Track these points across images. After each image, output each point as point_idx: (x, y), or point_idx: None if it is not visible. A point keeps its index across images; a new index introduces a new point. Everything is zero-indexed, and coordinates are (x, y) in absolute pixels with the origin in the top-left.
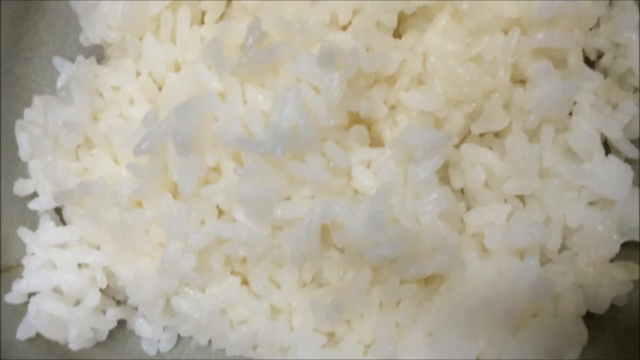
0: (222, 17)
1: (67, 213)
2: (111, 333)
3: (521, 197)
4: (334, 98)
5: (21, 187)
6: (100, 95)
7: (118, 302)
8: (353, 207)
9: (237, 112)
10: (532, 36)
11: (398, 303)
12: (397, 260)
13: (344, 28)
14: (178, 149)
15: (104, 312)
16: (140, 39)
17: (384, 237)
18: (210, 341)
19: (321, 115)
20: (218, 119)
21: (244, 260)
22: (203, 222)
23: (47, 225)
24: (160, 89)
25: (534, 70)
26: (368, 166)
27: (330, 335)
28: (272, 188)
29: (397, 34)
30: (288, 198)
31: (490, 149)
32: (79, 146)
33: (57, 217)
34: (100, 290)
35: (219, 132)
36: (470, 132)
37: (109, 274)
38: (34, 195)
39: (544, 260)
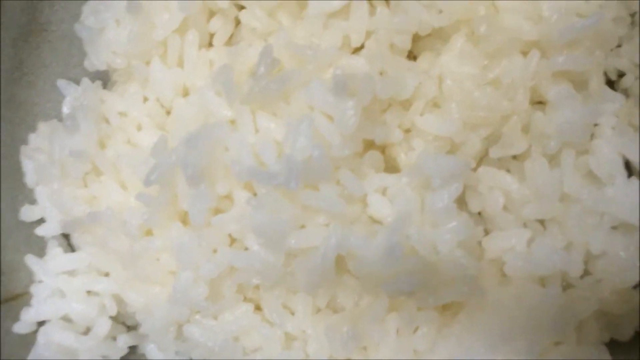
0: (230, 38)
1: (75, 239)
2: (122, 359)
3: (541, 221)
4: (349, 127)
5: (28, 213)
6: (107, 121)
7: (129, 327)
8: (370, 238)
9: (249, 141)
10: (552, 59)
11: (415, 330)
12: (415, 291)
13: (357, 50)
14: (188, 180)
15: (114, 338)
16: (147, 63)
17: (402, 269)
18: None
19: (335, 145)
20: (229, 148)
21: (257, 287)
22: (215, 251)
23: (55, 252)
24: (168, 113)
25: (554, 94)
26: (384, 193)
27: None
28: (285, 218)
29: (412, 56)
30: (302, 226)
31: (508, 170)
32: (87, 173)
33: (65, 242)
34: (110, 317)
35: (231, 163)
36: (486, 153)
37: (119, 300)
38: (41, 221)
39: (565, 285)
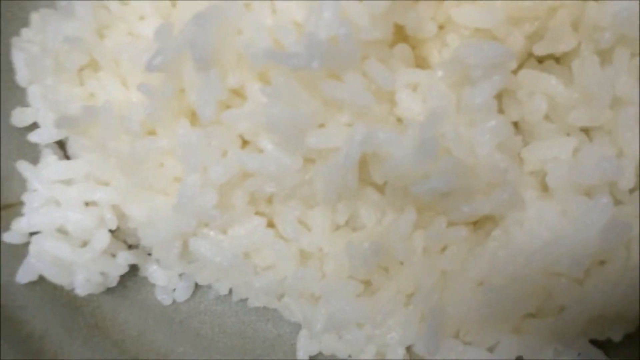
0: None
1: (71, 146)
2: (122, 280)
3: (586, 132)
4: (380, 5)
5: (20, 117)
6: (107, 9)
7: (130, 247)
8: (399, 135)
9: (265, 23)
10: None
11: (444, 249)
12: (449, 196)
13: None
14: (196, 63)
15: (114, 255)
16: None
17: (434, 169)
18: (230, 290)
19: (363, 27)
20: (243, 31)
21: (270, 200)
22: (225, 153)
23: (50, 160)
24: (173, 5)
25: None
26: (415, 90)
27: (367, 284)
28: (304, 113)
29: None
30: (322, 125)
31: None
32: (82, 68)
33: (61, 153)
34: (110, 231)
35: (244, 46)
36: (528, 57)
37: (120, 215)
38: (34, 126)
39: (614, 202)
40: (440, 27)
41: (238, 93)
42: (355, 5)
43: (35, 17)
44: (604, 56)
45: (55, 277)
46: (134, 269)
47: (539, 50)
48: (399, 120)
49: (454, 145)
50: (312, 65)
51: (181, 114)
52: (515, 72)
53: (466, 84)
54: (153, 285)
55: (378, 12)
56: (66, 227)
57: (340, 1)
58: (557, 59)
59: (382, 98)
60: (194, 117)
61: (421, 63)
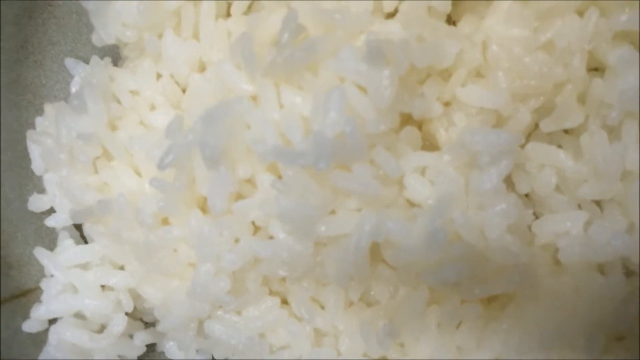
0: (250, 8)
1: (87, 229)
2: (140, 358)
3: (598, 202)
4: (385, 99)
5: (36, 203)
6: (118, 101)
7: (146, 324)
8: (409, 223)
9: (272, 118)
10: (613, 18)
11: (459, 325)
12: (461, 282)
13: (390, 16)
14: (206, 162)
15: (131, 336)
16: (160, 36)
17: (445, 257)
18: None
19: (370, 120)
20: (250, 126)
21: (283, 279)
22: (237, 241)
23: (66, 244)
24: (184, 91)
25: (615, 58)
26: (423, 173)
27: None
28: (314, 203)
29: (452, 20)
30: (333, 212)
31: (559, 146)
32: (97, 158)
33: (77, 234)
34: (126, 314)
35: (252, 142)
36: (536, 127)
37: (135, 296)
38: (51, 211)
39: (627, 273)
40: (447, 105)
41: (249, 181)
42: (360, 99)
43: (49, 108)
44: (612, 130)
45: None
46: (151, 344)
47: (546, 127)
48: (409, 202)
49: (464, 231)
50: (319, 166)
51: (193, 204)
52: (523, 145)
53: (474, 167)
54: None
55: (384, 106)
56: (83, 313)
57: (346, 97)
58: (565, 130)
59: (391, 182)
60: (206, 206)
61: (429, 140)
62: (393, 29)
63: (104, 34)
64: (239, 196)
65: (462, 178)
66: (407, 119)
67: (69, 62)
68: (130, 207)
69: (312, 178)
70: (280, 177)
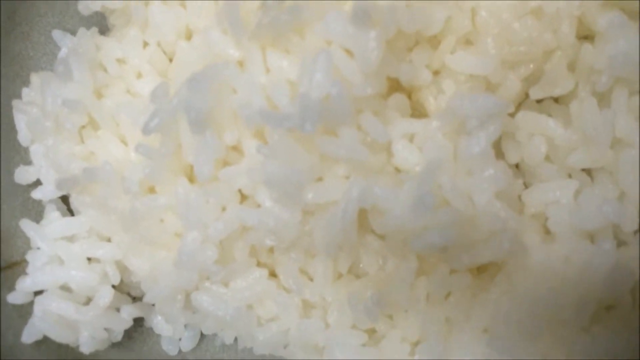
0: None
1: (74, 201)
2: (127, 332)
3: (588, 172)
4: (371, 63)
5: (23, 175)
6: (104, 69)
7: (134, 299)
8: (396, 189)
9: (259, 82)
10: None
11: (448, 296)
12: (449, 248)
13: None
14: (192, 126)
15: (118, 310)
16: (147, 4)
17: (433, 222)
18: (236, 339)
19: (356, 83)
20: (237, 90)
21: (271, 250)
22: (224, 209)
23: (53, 216)
24: (170, 60)
25: (604, 23)
26: (411, 140)
27: (371, 332)
28: (301, 168)
29: None
30: (320, 179)
31: (549, 115)
32: (83, 127)
33: (64, 207)
34: (113, 286)
35: (239, 106)
36: (525, 97)
37: (122, 268)
38: (37, 183)
39: (618, 242)
40: (436, 73)
41: (235, 148)
42: (347, 63)
43: (34, 78)
44: (602, 97)
45: (60, 336)
46: (139, 319)
47: (536, 94)
48: (397, 169)
49: (452, 196)
50: (305, 128)
51: (180, 172)
52: (513, 114)
53: (462, 133)
54: (159, 336)
55: (370, 69)
56: (69, 285)
57: (332, 60)
58: (555, 99)
59: (379, 148)
60: (192, 174)
61: (418, 108)
62: None
63: (90, 1)
64: (226, 163)
65: (451, 144)
66: (395, 86)
67: (57, 34)
68: (117, 175)
69: (299, 142)
70: (266, 143)
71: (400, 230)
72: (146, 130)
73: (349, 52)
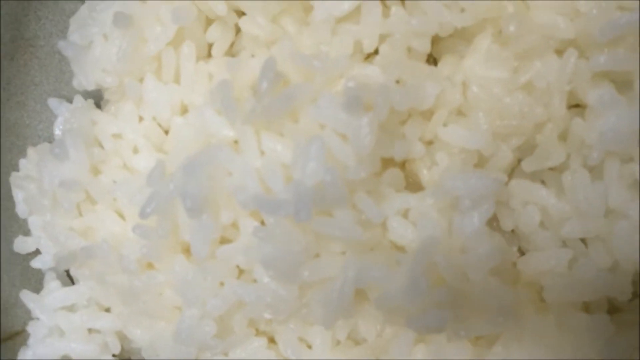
0: (231, 47)
1: (73, 271)
2: None
3: (583, 239)
4: (365, 146)
5: (22, 245)
6: (100, 145)
7: None
8: (391, 270)
9: (253, 165)
10: (592, 58)
11: None
12: (445, 326)
13: (370, 56)
14: (188, 212)
15: None
16: (141, 80)
17: (429, 302)
18: None
19: (350, 167)
20: (232, 173)
21: (269, 319)
22: (222, 284)
23: (53, 286)
24: (166, 133)
25: (594, 98)
26: (405, 216)
27: None
28: (297, 249)
29: (432, 60)
30: (316, 255)
31: (543, 183)
32: (81, 201)
33: (64, 274)
34: (114, 355)
35: (234, 190)
36: (518, 164)
37: (122, 336)
38: (37, 252)
39: (611, 309)
40: (429, 144)
41: (233, 225)
42: (341, 146)
43: (31, 152)
44: (594, 168)
45: None
46: None
47: (528, 166)
48: (393, 244)
49: (448, 274)
50: (299, 217)
51: (177, 249)
52: (506, 182)
53: (456, 209)
54: None
55: (364, 153)
56: (71, 356)
57: (326, 145)
58: (550, 167)
59: (374, 225)
60: (189, 251)
61: (412, 177)
62: (372, 73)
63: (84, 79)
64: (223, 239)
65: (445, 220)
66: (389, 161)
67: (52, 102)
68: (114, 253)
69: (294, 224)
70: (262, 222)
71: (398, 308)
72: (143, 215)
73: (342, 135)
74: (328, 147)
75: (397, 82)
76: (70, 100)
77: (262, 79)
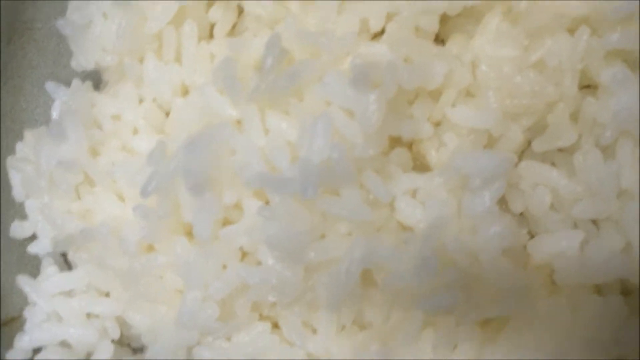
0: (233, 28)
1: (71, 255)
2: None
3: (594, 221)
4: (373, 124)
5: (18, 230)
6: (99, 126)
7: (134, 350)
8: (399, 249)
9: (258, 144)
10: (605, 37)
11: (455, 347)
12: (455, 307)
13: (377, 35)
14: (190, 191)
15: None
16: (141, 60)
17: (438, 283)
18: None
19: (358, 145)
20: (236, 152)
21: (274, 303)
22: (224, 267)
23: (50, 271)
24: (167, 115)
25: (607, 77)
26: (414, 195)
27: None
28: (303, 229)
29: (440, 39)
30: (322, 236)
31: (554, 164)
32: (79, 183)
33: (61, 260)
34: (113, 340)
35: (238, 168)
36: (528, 145)
37: (122, 322)
38: (34, 237)
39: (624, 292)
40: (437, 124)
41: (236, 205)
42: (348, 123)
43: (28, 135)
44: (606, 148)
45: None
46: None
47: (539, 147)
48: (401, 225)
49: (457, 255)
50: (306, 194)
51: (179, 230)
52: (516, 163)
53: (466, 189)
54: None
55: (372, 130)
56: (69, 341)
57: (333, 122)
58: (561, 148)
59: (382, 205)
60: (191, 232)
61: (419, 159)
62: (380, 51)
63: (83, 59)
64: (226, 221)
65: (454, 200)
66: (396, 140)
67: (50, 86)
68: (113, 236)
69: (300, 204)
70: (267, 202)
71: (405, 289)
72: (144, 194)
73: (349, 112)
74: (335, 124)
75: (405, 60)
76: (68, 85)
77: (266, 55)
